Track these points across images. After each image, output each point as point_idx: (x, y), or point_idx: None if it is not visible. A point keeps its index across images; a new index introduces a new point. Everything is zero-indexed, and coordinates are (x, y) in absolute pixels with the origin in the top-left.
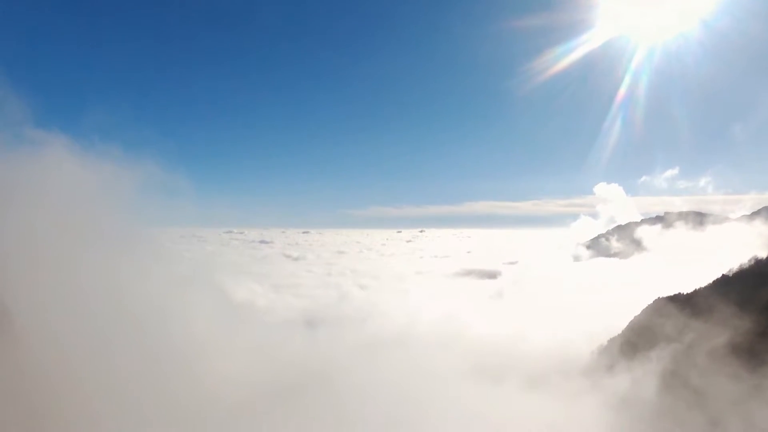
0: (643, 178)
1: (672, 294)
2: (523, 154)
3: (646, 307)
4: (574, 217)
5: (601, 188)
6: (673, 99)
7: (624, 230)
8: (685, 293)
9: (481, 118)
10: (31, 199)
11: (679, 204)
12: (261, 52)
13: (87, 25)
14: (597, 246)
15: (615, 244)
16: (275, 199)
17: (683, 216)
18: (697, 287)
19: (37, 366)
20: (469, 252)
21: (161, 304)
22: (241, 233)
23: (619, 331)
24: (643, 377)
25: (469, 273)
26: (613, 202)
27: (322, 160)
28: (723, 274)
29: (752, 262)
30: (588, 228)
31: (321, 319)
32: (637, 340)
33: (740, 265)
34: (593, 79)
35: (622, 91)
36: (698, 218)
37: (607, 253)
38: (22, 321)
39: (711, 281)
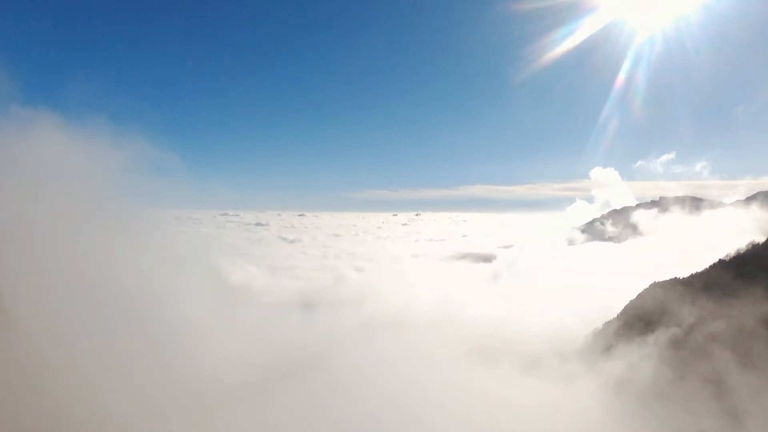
0: (639, 162)
1: (668, 278)
2: (519, 138)
3: (642, 291)
4: (570, 201)
5: (597, 172)
6: (670, 84)
7: (619, 214)
8: (681, 277)
9: (477, 102)
10: (19, 178)
11: (674, 189)
12: (260, 34)
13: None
14: (592, 230)
15: (610, 228)
16: (271, 182)
17: (679, 201)
18: (694, 272)
19: (30, 347)
20: (464, 236)
21: (156, 285)
22: (237, 215)
23: (615, 315)
24: (640, 361)
25: (464, 256)
26: (608, 187)
27: (318, 143)
28: (720, 259)
29: (749, 247)
30: (583, 212)
31: (317, 302)
32: (633, 323)
33: (737, 250)
34: (591, 64)
35: (620, 76)
36: (694, 203)
37: (602, 237)
38: (13, 303)
39: (708, 266)
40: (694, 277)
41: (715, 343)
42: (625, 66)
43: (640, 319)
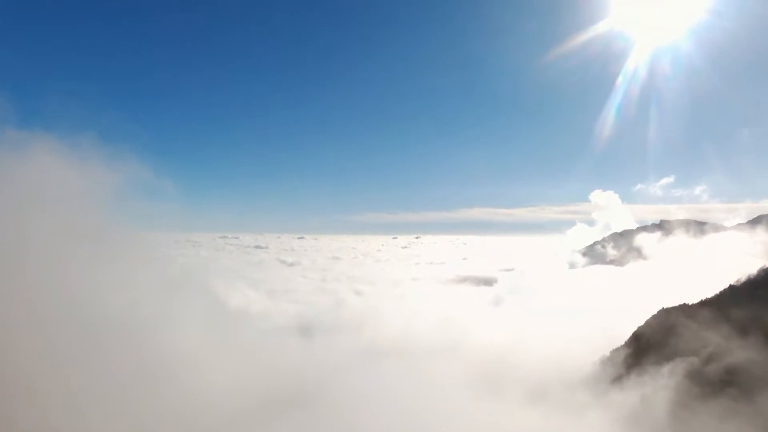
0: (639, 186)
1: (676, 304)
2: (519, 161)
3: (651, 318)
4: (570, 223)
5: (597, 195)
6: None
7: (620, 238)
8: (690, 303)
9: (476, 125)
10: (13, 202)
11: (674, 212)
12: (257, 55)
13: (73, 19)
14: (593, 253)
15: (611, 251)
16: (270, 205)
17: (682, 224)
18: (703, 297)
19: (23, 374)
20: (464, 258)
21: (151, 310)
22: (236, 238)
23: (622, 341)
24: (655, 393)
25: (465, 279)
26: (608, 210)
27: (317, 166)
28: (730, 284)
29: (762, 272)
30: (584, 235)
31: (316, 326)
32: (642, 351)
33: (749, 275)
34: (589, 86)
35: (619, 98)
36: (697, 226)
37: (603, 261)
38: (4, 328)
39: (718, 291)
40: (704, 303)
41: (736, 375)
42: (625, 89)
43: (650, 346)
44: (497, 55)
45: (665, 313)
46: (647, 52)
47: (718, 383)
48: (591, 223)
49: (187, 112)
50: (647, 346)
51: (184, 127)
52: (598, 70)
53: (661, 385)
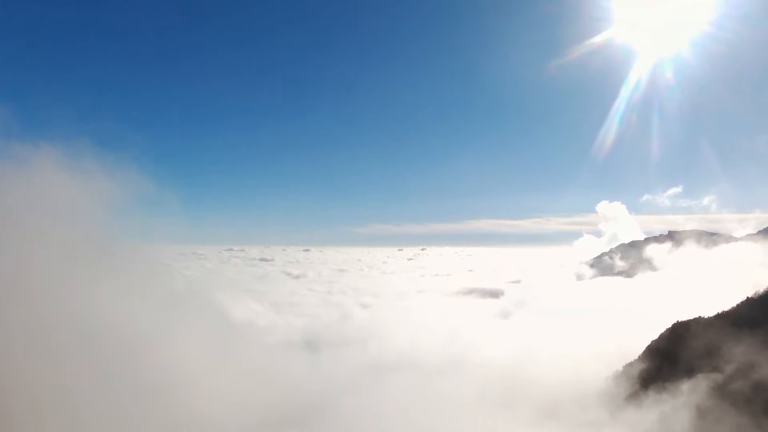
0: (646, 196)
1: (693, 317)
2: (524, 172)
3: (665, 331)
4: (576, 235)
5: (604, 206)
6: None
7: (628, 249)
8: (705, 316)
9: (481, 137)
10: (13, 215)
11: (682, 222)
12: (263, 68)
13: (75, 21)
14: (600, 264)
15: (619, 262)
16: (276, 217)
17: (690, 234)
18: (720, 309)
19: (23, 390)
20: (470, 270)
21: (153, 325)
22: (242, 251)
23: (635, 355)
24: (675, 411)
25: (471, 292)
26: (615, 221)
27: (323, 178)
28: (747, 297)
29: None
30: (591, 246)
31: (322, 340)
32: (658, 366)
33: (766, 288)
34: (593, 96)
35: (623, 108)
36: (706, 237)
37: (611, 272)
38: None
39: (735, 303)
40: (721, 316)
41: (763, 391)
42: (629, 98)
43: (666, 361)
44: (500, 66)
45: (680, 326)
46: (651, 62)
47: (742, 401)
48: (598, 234)
49: (194, 125)
50: (663, 361)
51: (191, 140)
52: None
53: (681, 402)
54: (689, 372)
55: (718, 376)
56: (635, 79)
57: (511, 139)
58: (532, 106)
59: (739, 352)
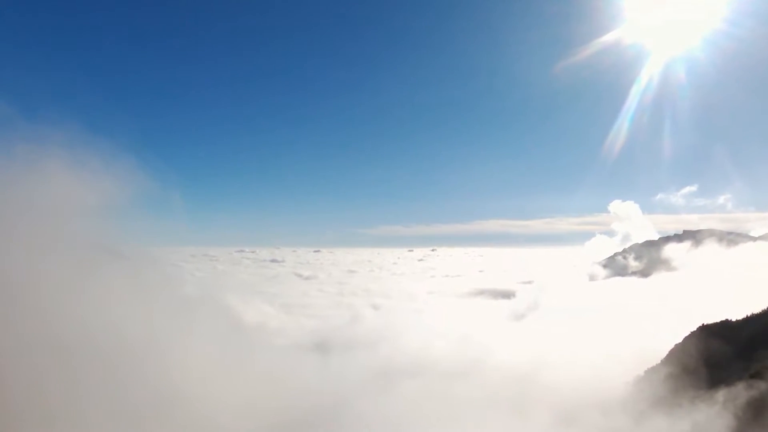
0: (659, 195)
1: (719, 320)
2: (534, 172)
3: (690, 335)
4: (587, 235)
5: (616, 206)
6: (687, 116)
7: (641, 248)
8: (733, 320)
9: (491, 137)
10: (19, 218)
11: (697, 222)
12: (272, 71)
13: (81, 24)
14: (613, 265)
15: (632, 262)
16: (287, 219)
17: (706, 234)
18: (747, 314)
19: (32, 396)
20: (481, 271)
21: (164, 329)
22: (253, 252)
23: (656, 359)
24: (711, 421)
25: (482, 292)
26: (628, 220)
27: (333, 180)
28: None
29: None
30: (603, 246)
31: (333, 342)
32: (684, 372)
33: None
34: (604, 95)
35: (634, 107)
36: (722, 236)
37: (625, 272)
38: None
39: (765, 308)
40: (749, 321)
41: None
42: (640, 97)
43: (693, 366)
44: (510, 65)
45: (706, 330)
46: (662, 61)
47: None
48: (610, 234)
49: (204, 128)
50: (689, 366)
51: (202, 143)
52: (613, 78)
53: (716, 411)
54: (723, 379)
55: (761, 384)
56: (647, 77)
57: (521, 139)
58: (542, 106)
59: None
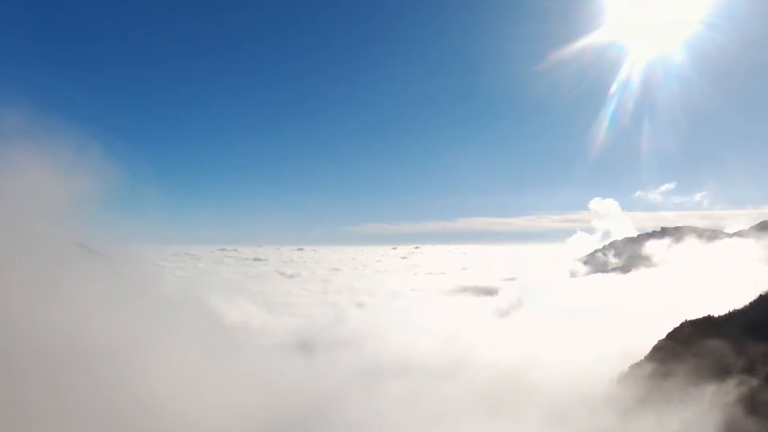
0: (638, 193)
1: (702, 316)
2: (517, 170)
3: (673, 330)
4: (569, 232)
5: (596, 203)
6: (665, 115)
7: (621, 245)
8: (716, 315)
9: (474, 135)
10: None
11: (675, 219)
12: (257, 68)
13: (70, 18)
14: (594, 261)
15: (612, 259)
16: (270, 217)
17: (684, 231)
18: (730, 308)
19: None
20: (464, 268)
21: (144, 330)
22: (235, 251)
23: (640, 356)
24: (700, 417)
25: (465, 290)
26: (608, 217)
27: (316, 177)
28: (760, 295)
29: None
30: (584, 243)
31: (317, 341)
32: (669, 368)
33: None
34: (585, 94)
35: (614, 106)
36: (699, 233)
37: (605, 269)
38: None
39: (748, 303)
40: (733, 315)
41: None
42: (620, 97)
43: (678, 362)
44: (493, 65)
45: (690, 325)
46: (643, 61)
47: None
48: (590, 231)
49: (186, 126)
50: (674, 362)
51: (183, 141)
52: (594, 78)
53: (705, 408)
54: (714, 374)
55: (751, 380)
56: (627, 77)
57: (504, 137)
58: (524, 105)
59: (760, 353)
